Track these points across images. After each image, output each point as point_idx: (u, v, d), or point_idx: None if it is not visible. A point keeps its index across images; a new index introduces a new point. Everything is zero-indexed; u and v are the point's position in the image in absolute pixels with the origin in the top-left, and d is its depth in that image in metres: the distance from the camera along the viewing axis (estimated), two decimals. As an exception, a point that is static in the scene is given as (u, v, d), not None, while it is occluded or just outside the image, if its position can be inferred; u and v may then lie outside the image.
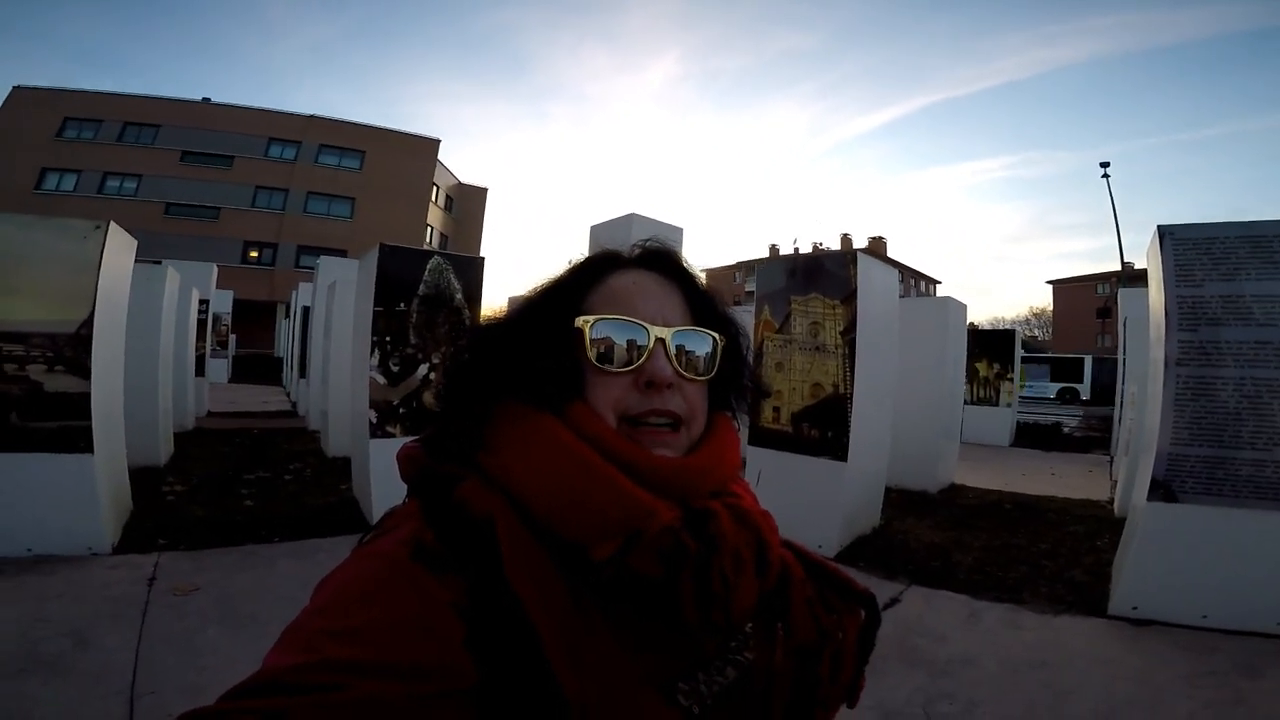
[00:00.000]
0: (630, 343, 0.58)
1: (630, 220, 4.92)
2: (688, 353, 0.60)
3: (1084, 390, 24.20)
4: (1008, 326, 18.61)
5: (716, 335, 0.63)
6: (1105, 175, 22.56)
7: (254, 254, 31.97)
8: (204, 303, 10.46)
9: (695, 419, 0.61)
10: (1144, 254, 3.79)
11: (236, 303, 17.82)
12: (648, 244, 0.68)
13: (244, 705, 0.41)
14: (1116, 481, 6.76)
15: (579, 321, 0.59)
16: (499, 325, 0.64)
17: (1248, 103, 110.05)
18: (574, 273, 0.65)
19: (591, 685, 0.49)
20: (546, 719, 0.47)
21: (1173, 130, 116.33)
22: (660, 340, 0.59)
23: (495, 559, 0.50)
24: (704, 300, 0.66)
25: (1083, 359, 25.11)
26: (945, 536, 4.93)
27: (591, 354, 0.58)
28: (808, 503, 4.38)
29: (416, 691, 0.44)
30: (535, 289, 0.66)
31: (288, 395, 14.49)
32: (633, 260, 0.66)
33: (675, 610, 0.52)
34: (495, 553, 0.51)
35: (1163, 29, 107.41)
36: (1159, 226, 3.50)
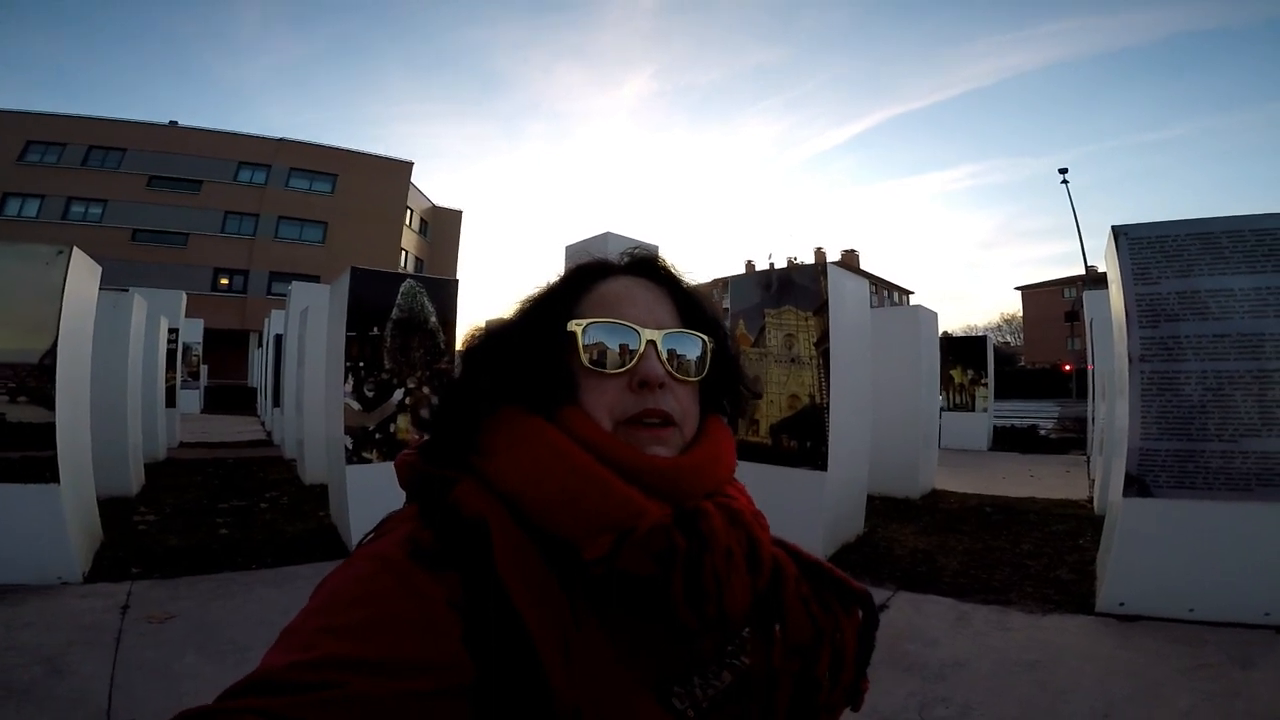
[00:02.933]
0: (622, 346, 0.59)
1: (606, 239, 4.95)
2: (679, 355, 0.62)
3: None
4: (980, 333, 18.95)
5: (706, 338, 0.64)
6: (1064, 181, 23.31)
7: (224, 281, 31.49)
8: (173, 332, 10.25)
9: (688, 419, 0.62)
10: (1103, 256, 3.90)
11: (207, 332, 17.51)
12: (635, 251, 0.69)
13: (241, 704, 0.41)
14: (1094, 480, 6.90)
15: (571, 325, 0.60)
16: (492, 333, 0.65)
17: (1204, 103, 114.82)
18: (565, 280, 0.66)
19: (584, 684, 0.49)
20: (538, 716, 0.47)
21: (1133, 132, 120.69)
22: (651, 342, 0.60)
23: (489, 558, 0.51)
24: (693, 304, 0.67)
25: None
26: (929, 541, 4.97)
27: (584, 358, 0.59)
28: (790, 513, 4.39)
29: (415, 688, 0.44)
30: (527, 297, 0.67)
31: (263, 424, 14.23)
32: (622, 267, 0.67)
33: (667, 609, 0.52)
34: (489, 551, 0.51)
35: (1120, 32, 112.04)
36: (1113, 227, 3.61)
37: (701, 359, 0.63)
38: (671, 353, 0.61)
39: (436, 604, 0.48)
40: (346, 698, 0.41)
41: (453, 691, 0.45)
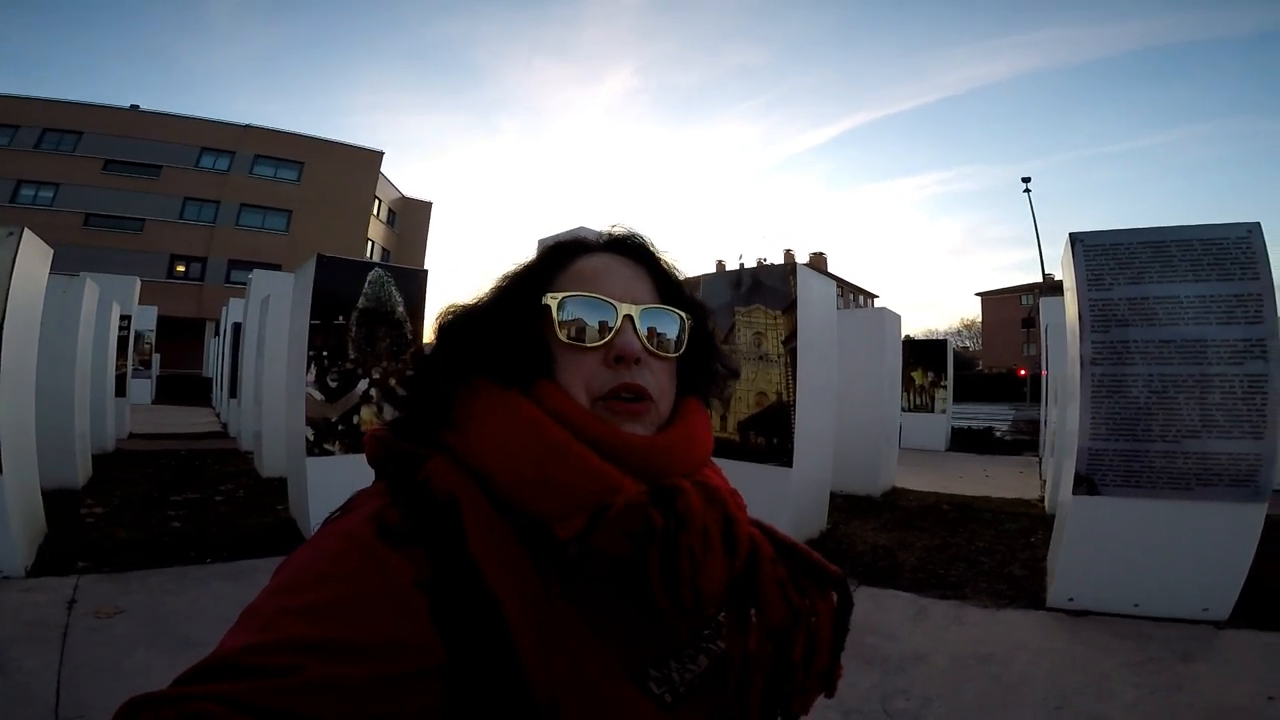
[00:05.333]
0: (601, 322, 0.59)
1: (580, 234, 4.94)
2: (657, 331, 0.61)
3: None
4: (940, 337, 19.39)
5: (684, 315, 0.63)
6: (1027, 190, 24.00)
7: (181, 268, 30.47)
8: (125, 319, 9.88)
9: (664, 397, 0.61)
10: (1060, 262, 4.04)
11: (161, 319, 16.89)
12: (614, 229, 0.69)
13: (196, 690, 0.39)
14: (1046, 481, 7.12)
15: (547, 299, 0.59)
16: (467, 308, 0.64)
17: (1168, 116, 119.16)
18: (542, 257, 0.66)
19: (558, 666, 0.48)
20: (512, 699, 0.47)
21: (1097, 143, 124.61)
22: (628, 317, 0.59)
23: (460, 536, 0.50)
24: (671, 283, 0.67)
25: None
26: (889, 538, 5.07)
27: (561, 333, 0.58)
28: (756, 508, 4.24)
29: (380, 671, 0.42)
30: (504, 274, 0.66)
31: (218, 416, 13.83)
32: (600, 245, 0.67)
33: (643, 590, 0.51)
34: (460, 530, 0.50)
35: (1089, 44, 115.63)
36: (1071, 234, 3.74)
37: (679, 336, 0.63)
38: (650, 330, 0.60)
39: (404, 584, 0.46)
40: (307, 682, 0.40)
41: (422, 674, 0.44)
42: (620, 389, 0.58)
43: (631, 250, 0.67)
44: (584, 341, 0.58)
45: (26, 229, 3.79)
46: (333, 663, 0.41)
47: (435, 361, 0.62)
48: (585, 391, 0.58)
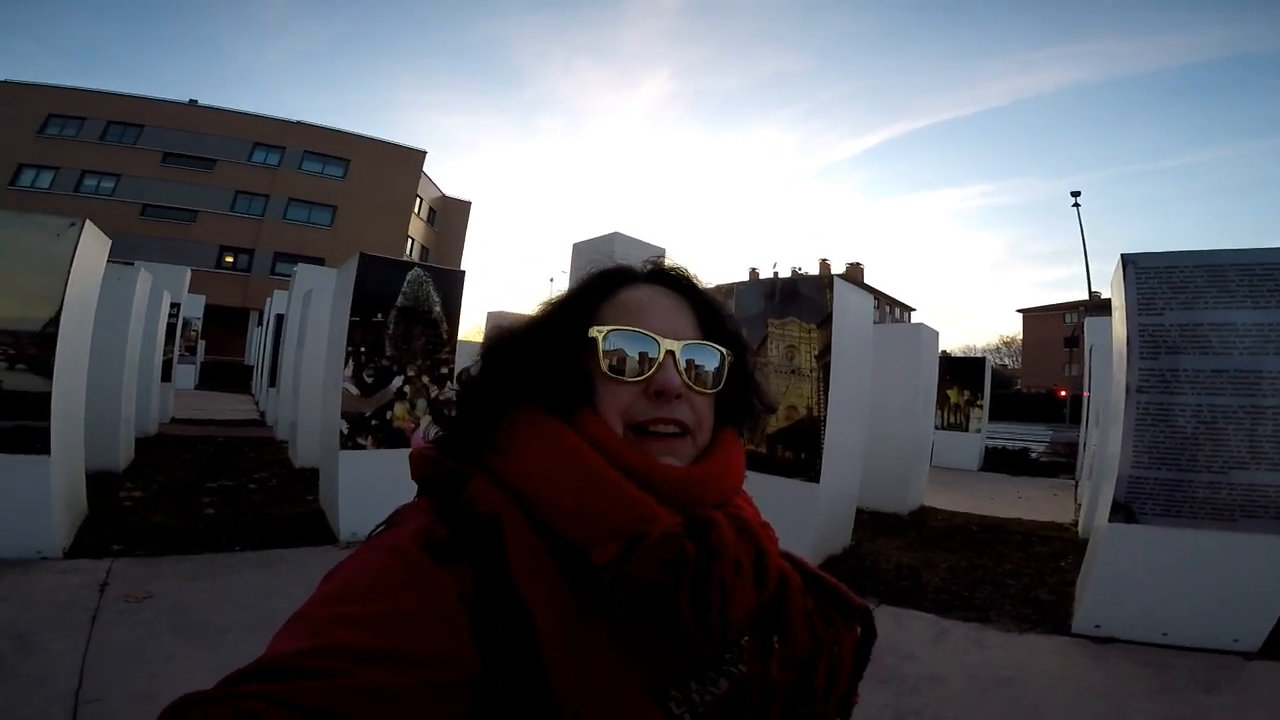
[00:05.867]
0: (641, 354, 0.60)
1: (613, 238, 4.96)
2: (696, 366, 0.62)
3: None
4: (979, 354, 18.98)
5: (725, 351, 0.65)
6: (1076, 204, 23.27)
7: (229, 259, 31.43)
8: (175, 306, 10.23)
9: (702, 430, 0.62)
10: (1110, 283, 3.91)
11: (208, 308, 17.49)
12: (659, 260, 0.70)
13: (246, 690, 0.41)
14: (1081, 505, 6.90)
15: (593, 331, 0.61)
16: (513, 334, 0.66)
17: (1220, 131, 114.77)
18: (587, 285, 0.67)
19: (585, 684, 0.50)
20: (539, 713, 0.48)
21: (1146, 159, 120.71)
22: (670, 352, 0.60)
23: (500, 554, 0.51)
24: (714, 316, 0.68)
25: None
26: (914, 557, 4.97)
27: (604, 364, 0.60)
28: (780, 523, 4.23)
29: (419, 680, 0.44)
30: (549, 300, 0.68)
31: (256, 404, 14.21)
32: (645, 275, 0.68)
33: (672, 615, 0.52)
34: (501, 548, 0.52)
35: (1138, 56, 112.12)
36: (1123, 255, 3.61)
37: (719, 371, 0.64)
38: (690, 363, 0.62)
39: (448, 599, 0.48)
40: (353, 687, 0.42)
41: (456, 684, 0.45)
42: (658, 421, 0.59)
43: (675, 282, 0.68)
44: (625, 375, 0.60)
45: (88, 221, 3.96)
46: (378, 670, 0.43)
47: (481, 384, 0.64)
48: (623, 421, 0.59)
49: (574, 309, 0.64)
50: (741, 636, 0.61)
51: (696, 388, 0.61)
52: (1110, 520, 3.41)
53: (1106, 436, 4.29)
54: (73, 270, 3.78)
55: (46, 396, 3.66)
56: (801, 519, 4.47)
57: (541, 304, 0.68)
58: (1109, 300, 4.05)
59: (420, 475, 0.62)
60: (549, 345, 0.62)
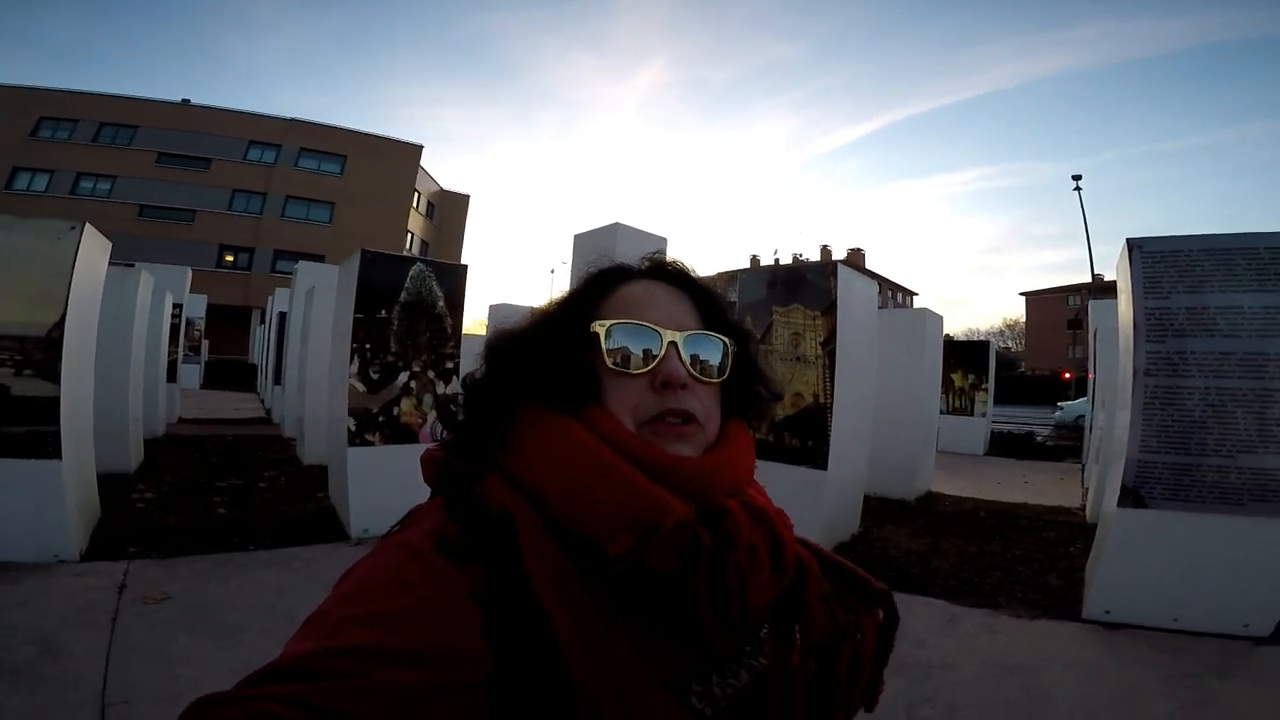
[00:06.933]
0: (645, 349, 0.60)
1: (615, 229, 4.94)
2: (700, 357, 0.62)
3: None
4: (982, 338, 18.90)
5: (727, 340, 0.65)
6: (1077, 188, 23.13)
7: (229, 258, 31.41)
8: (177, 307, 10.26)
9: (710, 420, 0.62)
10: (1114, 266, 3.90)
11: (210, 307, 17.54)
12: (655, 256, 0.70)
13: (263, 691, 0.41)
14: (1088, 489, 6.91)
15: (595, 326, 0.61)
16: (516, 334, 0.66)
17: (1223, 114, 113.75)
18: (587, 283, 0.67)
19: (604, 680, 0.49)
20: (558, 711, 0.48)
21: (1149, 141, 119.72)
22: (673, 343, 0.61)
23: (514, 551, 0.51)
24: (714, 308, 0.68)
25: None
26: (923, 543, 4.99)
27: (608, 359, 0.60)
28: (788, 510, 4.22)
29: (437, 679, 0.44)
30: (551, 301, 0.68)
31: (262, 402, 14.25)
32: (642, 271, 0.68)
33: (690, 606, 0.52)
34: (514, 545, 0.52)
35: (1142, 40, 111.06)
36: (1128, 239, 3.60)
37: (723, 361, 0.64)
38: (694, 356, 0.62)
39: (462, 597, 0.48)
40: (369, 687, 0.42)
41: (474, 683, 0.45)
42: (667, 413, 0.59)
43: (672, 276, 0.68)
44: (629, 368, 0.60)
45: (88, 224, 3.95)
46: (394, 669, 0.43)
47: (487, 386, 0.64)
48: (632, 415, 0.59)
49: (575, 307, 0.65)
50: (760, 627, 0.61)
51: (701, 378, 0.62)
52: (1119, 505, 3.41)
53: (1113, 420, 4.29)
54: (75, 274, 3.78)
55: (55, 400, 3.67)
56: (809, 506, 4.48)
57: (541, 306, 0.68)
58: (1112, 283, 4.04)
59: (431, 477, 0.62)
60: (553, 344, 0.62)
